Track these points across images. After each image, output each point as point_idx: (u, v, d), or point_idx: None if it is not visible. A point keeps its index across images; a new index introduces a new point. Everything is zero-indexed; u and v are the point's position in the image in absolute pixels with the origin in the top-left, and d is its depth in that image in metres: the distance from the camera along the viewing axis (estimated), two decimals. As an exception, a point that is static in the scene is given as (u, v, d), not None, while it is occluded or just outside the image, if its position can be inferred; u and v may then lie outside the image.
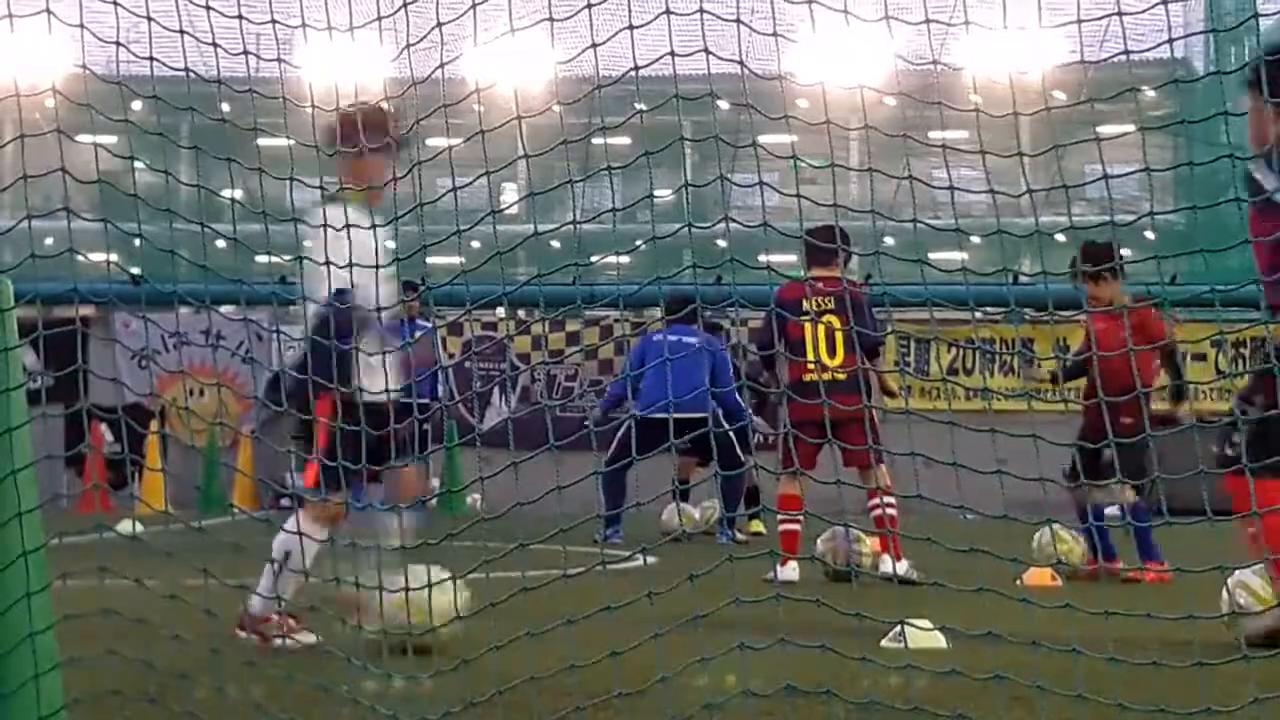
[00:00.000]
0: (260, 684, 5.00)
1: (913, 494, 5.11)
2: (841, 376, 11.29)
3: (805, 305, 11.58)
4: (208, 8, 5.46)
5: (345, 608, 5.61)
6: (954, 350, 26.72)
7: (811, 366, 11.43)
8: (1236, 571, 6.87)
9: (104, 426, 22.29)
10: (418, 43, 5.72)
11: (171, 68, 5.32)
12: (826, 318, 11.52)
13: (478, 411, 26.45)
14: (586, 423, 20.12)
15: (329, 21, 5.82)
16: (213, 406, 20.76)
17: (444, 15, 5.34)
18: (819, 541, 11.63)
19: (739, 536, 16.95)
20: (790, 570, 11.14)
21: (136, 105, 5.66)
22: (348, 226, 5.60)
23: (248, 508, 21.07)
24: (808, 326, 11.53)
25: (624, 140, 23.97)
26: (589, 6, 5.07)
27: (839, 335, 11.45)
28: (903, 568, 10.83)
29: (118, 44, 5.20)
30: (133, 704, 4.97)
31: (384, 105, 6.90)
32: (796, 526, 11.69)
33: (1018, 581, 9.80)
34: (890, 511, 11.19)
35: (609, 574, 5.52)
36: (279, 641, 6.77)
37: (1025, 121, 5.47)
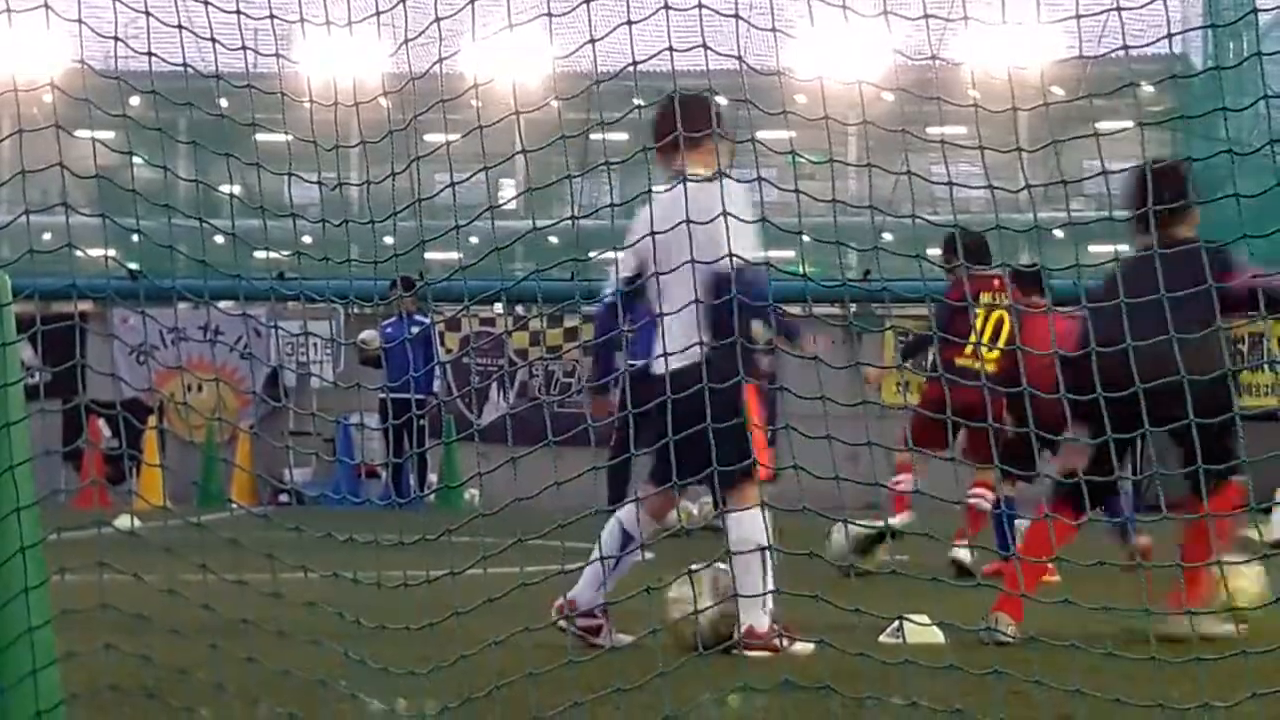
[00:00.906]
0: (258, 678, 5.00)
1: (911, 490, 5.11)
2: (991, 369, 11.43)
3: (983, 298, 11.89)
4: (206, 3, 5.45)
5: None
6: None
7: (968, 351, 11.53)
8: None
9: (102, 422, 22.30)
10: (416, 38, 5.72)
11: (170, 63, 5.32)
12: (998, 312, 11.73)
13: (476, 407, 26.44)
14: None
15: (327, 16, 5.82)
16: (211, 402, 20.78)
17: (442, 10, 5.33)
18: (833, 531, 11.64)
19: None
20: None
21: (135, 100, 5.65)
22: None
23: (246, 503, 21.08)
24: (981, 314, 11.74)
25: (622, 136, 23.96)
26: (587, 2, 5.07)
27: (1005, 331, 11.65)
28: (966, 555, 11.01)
29: (116, 39, 5.20)
30: (131, 698, 4.97)
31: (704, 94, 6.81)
32: (907, 487, 11.80)
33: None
34: (984, 505, 11.26)
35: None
36: (603, 640, 6.66)
37: (1024, 117, 5.47)
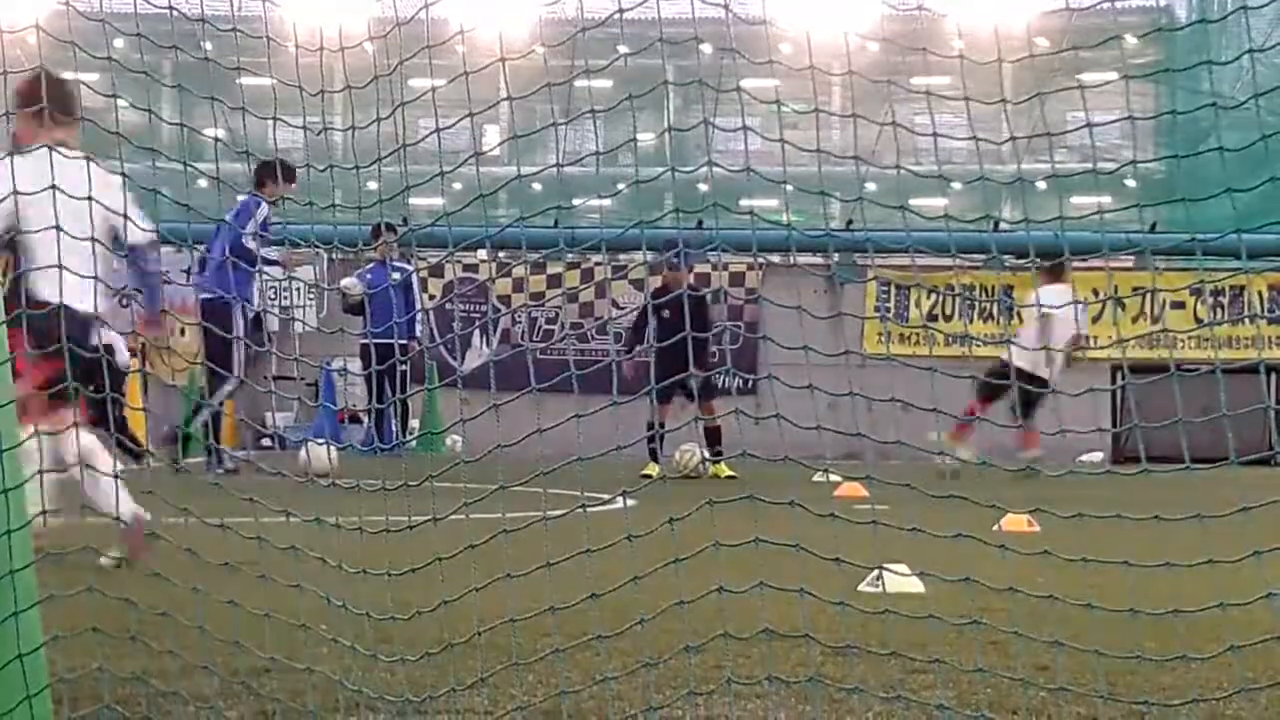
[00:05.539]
0: (240, 622, 5.00)
1: (892, 440, 5.13)
2: None
3: None
4: (191, -55, 5.43)
5: None
6: (934, 296, 26.81)
7: None
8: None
9: (83, 365, 22.22)
10: (402, -18, 5.70)
11: (155, 5, 5.29)
12: None
13: (458, 353, 26.44)
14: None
15: (313, -39, 5.80)
16: (194, 346, 20.74)
17: (428, -44, 5.31)
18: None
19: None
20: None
21: (119, 43, 5.63)
22: None
23: (228, 447, 21.07)
24: None
25: (607, 83, 23.90)
26: (573, -51, 5.05)
27: None
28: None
29: (100, -19, 5.18)
30: (112, 641, 4.98)
31: None
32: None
33: (995, 527, 9.83)
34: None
35: (589, 516, 5.54)
36: None
37: (1008, 68, 5.47)
